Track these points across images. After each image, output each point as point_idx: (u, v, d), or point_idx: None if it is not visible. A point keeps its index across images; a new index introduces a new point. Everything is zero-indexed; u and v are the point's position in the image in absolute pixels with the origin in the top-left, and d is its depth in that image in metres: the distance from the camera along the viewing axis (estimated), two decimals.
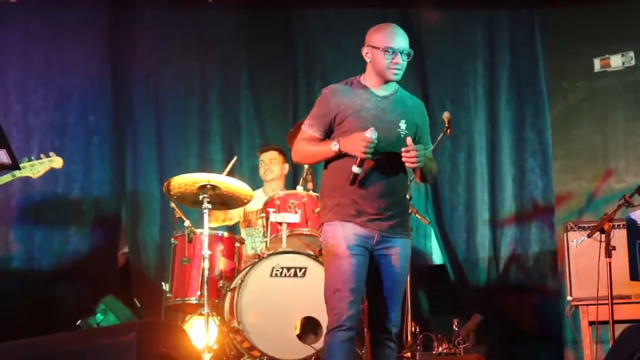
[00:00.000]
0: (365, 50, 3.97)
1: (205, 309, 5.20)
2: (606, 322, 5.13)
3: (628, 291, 5.50)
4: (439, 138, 5.57)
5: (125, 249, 6.72)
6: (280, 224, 5.34)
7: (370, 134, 3.74)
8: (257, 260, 5.25)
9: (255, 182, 6.23)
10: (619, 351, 3.94)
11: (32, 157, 5.31)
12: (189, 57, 6.92)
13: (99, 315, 5.87)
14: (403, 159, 3.81)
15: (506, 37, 6.96)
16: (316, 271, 5.11)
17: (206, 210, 5.36)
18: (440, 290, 6.93)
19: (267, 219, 5.42)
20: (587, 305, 5.66)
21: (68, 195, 6.59)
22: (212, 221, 5.66)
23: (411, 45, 3.96)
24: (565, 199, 6.82)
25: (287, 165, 6.21)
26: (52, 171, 5.46)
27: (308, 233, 5.40)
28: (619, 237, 5.16)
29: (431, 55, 6.96)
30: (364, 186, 3.86)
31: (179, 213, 5.64)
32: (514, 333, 6.61)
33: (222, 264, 5.53)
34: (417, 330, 5.87)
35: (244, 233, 6.13)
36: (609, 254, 4.98)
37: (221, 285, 5.43)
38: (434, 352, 5.85)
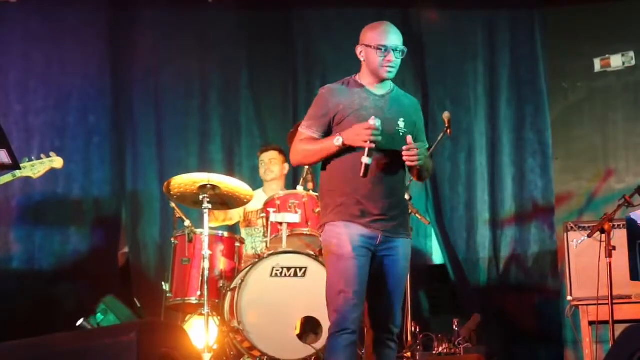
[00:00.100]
0: (359, 49, 3.97)
1: (206, 309, 5.20)
2: (606, 322, 5.14)
3: (628, 291, 5.50)
4: (439, 138, 5.57)
5: (126, 249, 6.72)
6: (281, 224, 5.34)
7: (373, 121, 3.73)
8: (257, 260, 5.25)
9: (255, 182, 6.23)
10: (619, 351, 3.94)
11: (33, 157, 5.32)
12: (189, 57, 6.91)
13: (99, 315, 5.87)
14: (404, 158, 3.80)
15: (506, 37, 6.96)
16: (316, 271, 5.11)
17: (206, 210, 5.36)
18: (440, 290, 6.93)
19: (268, 218, 5.42)
20: (587, 305, 5.66)
21: (68, 195, 6.59)
22: (212, 221, 5.66)
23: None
24: (566, 199, 6.81)
25: (287, 165, 6.21)
26: (52, 171, 5.46)
27: (308, 233, 5.40)
28: (619, 237, 5.16)
29: (431, 55, 6.96)
30: (366, 186, 3.84)
31: (179, 213, 5.64)
32: (514, 333, 6.60)
33: (222, 263, 5.53)
34: (417, 330, 5.87)
35: (244, 233, 6.13)
36: (609, 254, 4.99)
37: (221, 285, 5.43)
38: (434, 352, 5.84)
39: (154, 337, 3.65)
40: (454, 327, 5.92)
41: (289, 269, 5.18)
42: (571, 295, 5.75)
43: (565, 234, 5.84)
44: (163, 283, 5.60)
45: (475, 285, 6.72)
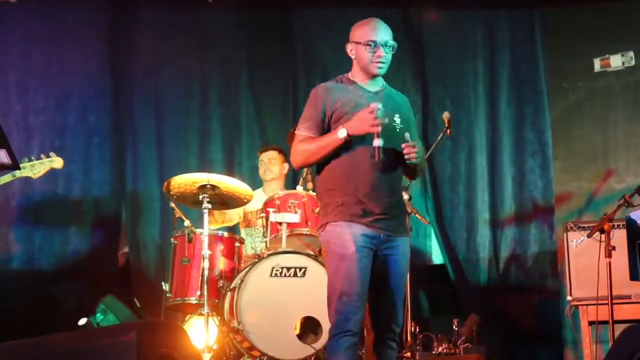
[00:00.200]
0: (349, 47, 3.97)
1: (205, 309, 5.20)
2: (606, 322, 5.14)
3: (628, 291, 5.50)
4: (439, 138, 5.58)
5: (126, 249, 6.72)
6: (280, 223, 5.34)
7: (375, 105, 3.73)
8: (257, 260, 5.25)
9: (255, 182, 6.23)
10: (619, 351, 3.94)
11: (33, 157, 5.31)
12: (189, 57, 6.92)
13: (99, 315, 5.87)
14: (406, 154, 3.79)
15: (506, 37, 6.96)
16: (316, 271, 5.11)
17: (206, 210, 5.36)
18: (440, 290, 6.93)
19: (267, 218, 5.42)
20: (587, 305, 5.66)
21: (68, 196, 6.59)
22: (211, 224, 5.66)
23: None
24: (565, 199, 6.81)
25: (287, 165, 6.21)
26: (52, 171, 5.45)
27: (308, 233, 5.40)
28: (619, 237, 5.16)
29: (431, 55, 6.96)
30: (367, 184, 3.82)
31: (179, 213, 5.64)
32: (514, 333, 6.60)
33: (222, 263, 5.53)
34: (417, 330, 5.87)
35: (243, 233, 6.13)
36: (608, 254, 4.98)
37: (221, 285, 5.43)
38: (433, 352, 5.85)
39: (153, 337, 3.65)
40: (454, 327, 5.92)
41: (288, 269, 5.18)
42: (571, 295, 5.75)
43: (565, 234, 5.84)
44: (163, 283, 5.61)
45: (475, 285, 6.71)
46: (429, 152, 5.81)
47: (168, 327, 4.16)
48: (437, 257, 6.97)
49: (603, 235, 5.03)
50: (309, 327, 5.08)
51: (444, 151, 6.76)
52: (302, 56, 6.99)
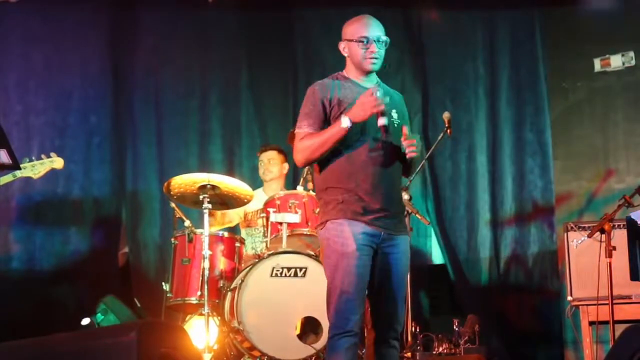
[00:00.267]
0: (342, 45, 3.98)
1: (206, 309, 5.20)
2: (606, 322, 5.14)
3: (628, 291, 5.50)
4: (439, 138, 5.57)
5: (126, 249, 6.72)
6: (281, 224, 5.34)
7: (373, 87, 3.75)
8: (257, 260, 5.25)
9: (256, 182, 6.23)
10: (619, 351, 3.94)
11: (33, 158, 5.32)
12: (189, 57, 6.92)
13: (99, 315, 5.87)
14: (406, 148, 3.78)
15: (506, 37, 6.96)
16: (316, 271, 5.10)
17: (206, 210, 5.36)
18: (440, 290, 6.93)
19: (268, 219, 5.42)
20: (587, 305, 5.66)
21: (68, 196, 6.59)
22: (212, 226, 5.67)
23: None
24: (566, 199, 6.81)
25: (287, 165, 6.21)
26: (52, 171, 5.45)
27: (308, 233, 5.40)
28: (619, 237, 5.16)
29: (431, 55, 6.96)
30: (367, 181, 3.81)
31: (179, 213, 5.64)
32: (514, 333, 6.60)
33: (222, 264, 5.52)
34: (417, 330, 5.86)
35: (244, 233, 6.13)
36: (609, 254, 4.99)
37: (221, 285, 5.43)
38: (434, 352, 5.84)
39: (154, 337, 3.65)
40: (454, 327, 5.92)
41: (289, 269, 5.17)
42: (571, 295, 5.75)
43: (566, 234, 5.84)
44: (163, 283, 5.60)
45: (475, 285, 6.71)
46: (429, 152, 5.81)
47: (168, 327, 4.16)
48: (437, 257, 6.97)
49: (603, 236, 5.03)
50: (310, 327, 5.08)
51: (444, 151, 6.76)
52: (302, 56, 6.99)
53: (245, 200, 5.61)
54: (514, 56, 6.92)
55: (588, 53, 6.86)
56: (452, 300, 6.82)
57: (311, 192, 5.50)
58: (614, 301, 5.01)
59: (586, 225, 5.72)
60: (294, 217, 5.34)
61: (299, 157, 3.87)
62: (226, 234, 5.67)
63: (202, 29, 6.95)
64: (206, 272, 5.28)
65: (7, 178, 5.23)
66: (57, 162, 5.38)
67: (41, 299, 6.35)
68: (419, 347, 5.80)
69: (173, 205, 5.65)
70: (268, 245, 5.44)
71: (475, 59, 6.95)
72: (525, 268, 6.70)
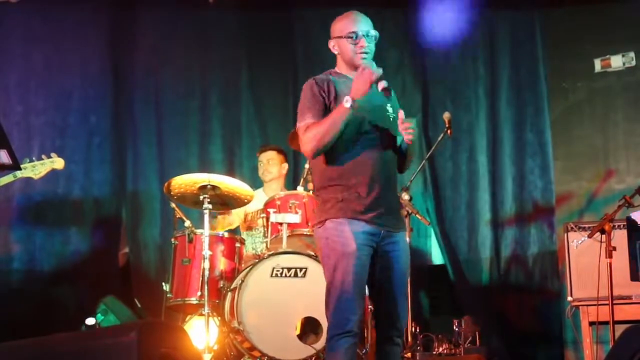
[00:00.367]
0: (332, 43, 3.97)
1: (206, 309, 5.20)
2: (607, 323, 5.14)
3: (628, 291, 5.50)
4: (440, 138, 5.57)
5: (126, 249, 6.72)
6: (281, 224, 5.33)
7: (365, 63, 3.75)
8: (257, 260, 5.24)
9: (256, 183, 6.23)
10: (619, 351, 3.93)
11: (34, 158, 5.31)
12: (189, 57, 6.92)
13: (99, 315, 5.86)
14: (402, 131, 3.78)
15: (506, 37, 6.96)
16: (316, 271, 5.09)
17: (206, 211, 5.36)
18: (440, 290, 6.93)
19: (268, 219, 5.42)
20: (587, 305, 5.66)
21: (68, 196, 6.59)
22: (214, 229, 5.66)
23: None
24: (566, 200, 6.81)
25: (286, 165, 6.21)
26: (52, 171, 5.44)
27: (308, 233, 5.39)
28: (620, 238, 5.17)
29: (431, 55, 6.96)
30: (366, 179, 3.80)
31: (179, 213, 5.64)
32: (514, 333, 6.60)
33: (222, 264, 5.52)
34: (417, 330, 5.87)
35: (244, 233, 6.13)
36: (609, 255, 4.98)
37: (221, 285, 5.43)
38: (434, 353, 5.85)
39: (154, 338, 3.64)
40: (454, 327, 5.92)
41: (289, 269, 5.17)
42: (571, 295, 5.75)
43: (566, 235, 5.84)
44: (163, 283, 5.60)
45: (476, 285, 6.71)
46: (429, 153, 5.80)
47: (168, 328, 4.15)
48: (437, 257, 6.97)
49: (604, 236, 5.03)
50: (310, 327, 5.08)
51: (444, 151, 6.76)
52: (302, 56, 6.99)
53: (246, 201, 5.61)
54: (514, 56, 6.92)
55: (588, 53, 6.86)
56: (452, 300, 6.82)
57: (311, 193, 5.50)
58: (614, 301, 5.01)
59: (586, 226, 5.72)
60: (294, 218, 5.34)
61: (308, 147, 3.79)
62: (226, 234, 5.67)
63: (202, 29, 6.96)
64: (206, 273, 5.28)
65: (8, 178, 5.23)
66: (58, 163, 5.38)
67: (41, 299, 6.35)
68: (419, 348, 5.80)
69: (173, 205, 5.65)
70: (268, 246, 5.44)
71: (475, 59, 6.95)
72: (525, 268, 6.70)
